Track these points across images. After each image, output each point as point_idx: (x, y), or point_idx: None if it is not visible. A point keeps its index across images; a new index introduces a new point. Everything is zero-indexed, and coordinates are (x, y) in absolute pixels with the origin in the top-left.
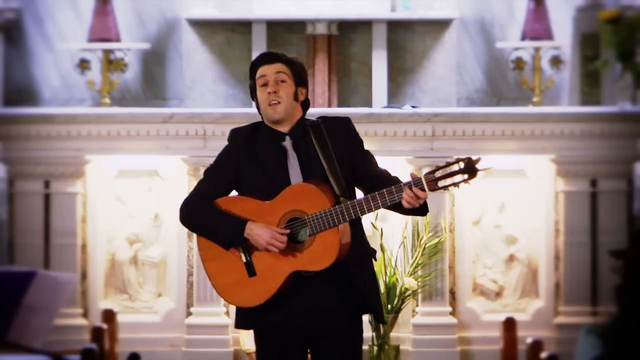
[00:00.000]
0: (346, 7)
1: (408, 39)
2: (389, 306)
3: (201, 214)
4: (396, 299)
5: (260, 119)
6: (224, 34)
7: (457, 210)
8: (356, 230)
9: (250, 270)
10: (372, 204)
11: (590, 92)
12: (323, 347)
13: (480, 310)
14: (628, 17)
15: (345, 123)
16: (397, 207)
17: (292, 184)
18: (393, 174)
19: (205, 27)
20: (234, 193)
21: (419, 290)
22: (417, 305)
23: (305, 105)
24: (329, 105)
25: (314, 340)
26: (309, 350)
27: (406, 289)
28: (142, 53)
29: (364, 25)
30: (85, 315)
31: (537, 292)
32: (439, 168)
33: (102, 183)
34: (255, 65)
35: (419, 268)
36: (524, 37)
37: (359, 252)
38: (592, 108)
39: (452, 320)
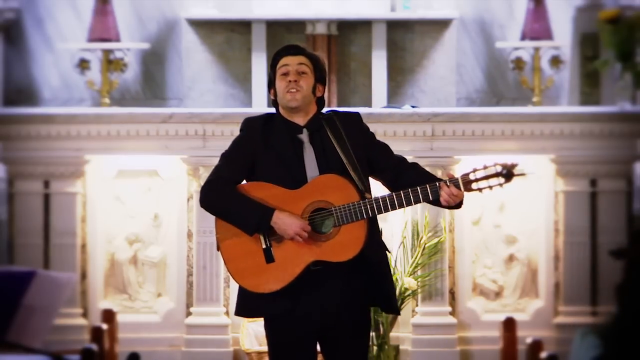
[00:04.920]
0: (346, 7)
1: (408, 39)
2: None
3: (225, 197)
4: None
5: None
6: (223, 33)
7: (457, 210)
8: (372, 224)
9: (269, 256)
10: (404, 201)
11: (590, 92)
12: (332, 339)
13: (480, 310)
14: (628, 17)
15: (356, 117)
16: (431, 201)
17: (307, 176)
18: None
19: (204, 27)
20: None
21: (419, 290)
22: (416, 305)
23: (321, 103)
24: (329, 105)
25: (323, 331)
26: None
27: (406, 289)
28: (142, 53)
29: (363, 25)
30: (85, 315)
31: (537, 292)
32: (475, 170)
33: (101, 183)
34: (278, 56)
35: (419, 268)
36: (523, 37)
37: (375, 245)
38: (592, 108)
39: (451, 320)
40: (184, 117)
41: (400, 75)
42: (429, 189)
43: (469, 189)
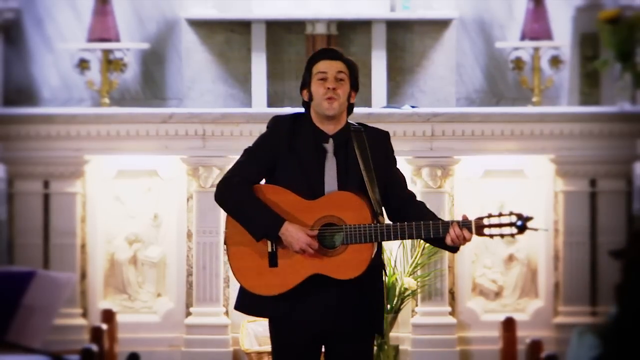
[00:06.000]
0: (345, 7)
1: (407, 39)
2: (388, 306)
3: (239, 198)
4: (395, 298)
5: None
6: (223, 34)
7: (457, 210)
8: (378, 245)
9: (273, 260)
10: (414, 232)
11: (589, 92)
12: (334, 344)
13: (479, 310)
14: (627, 17)
15: (385, 137)
16: (433, 240)
17: (325, 187)
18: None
19: (204, 27)
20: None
21: (419, 290)
22: (416, 305)
23: (350, 109)
24: None
25: (325, 335)
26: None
27: (405, 289)
28: (142, 53)
29: (363, 25)
30: (84, 315)
31: (537, 292)
32: (490, 216)
33: (101, 183)
34: (315, 59)
35: (419, 268)
36: (523, 37)
37: (375, 265)
38: (592, 108)
39: (451, 320)
40: (184, 117)
41: (399, 75)
42: (440, 226)
43: (480, 233)
